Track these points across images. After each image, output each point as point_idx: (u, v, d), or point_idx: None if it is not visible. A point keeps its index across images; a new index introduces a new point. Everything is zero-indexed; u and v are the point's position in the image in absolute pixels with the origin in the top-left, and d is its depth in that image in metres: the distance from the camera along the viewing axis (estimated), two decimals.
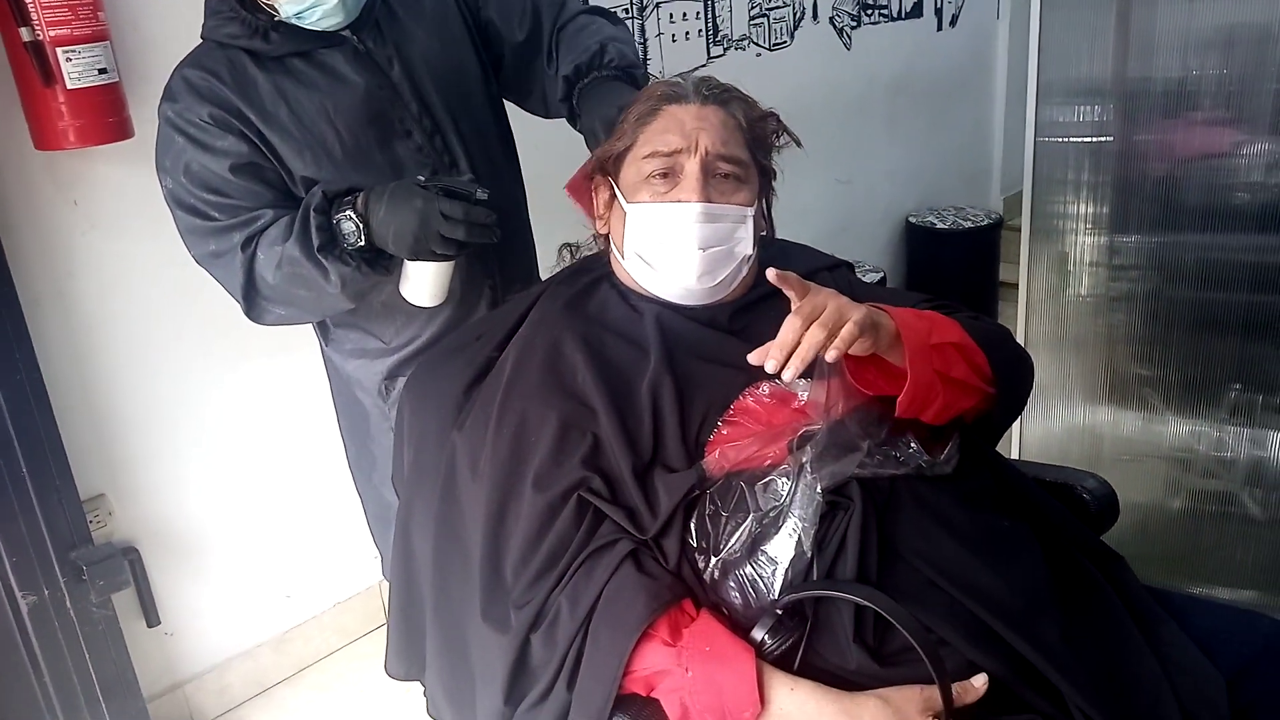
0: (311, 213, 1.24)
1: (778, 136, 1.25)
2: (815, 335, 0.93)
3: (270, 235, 1.28)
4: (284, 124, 1.30)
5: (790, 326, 0.94)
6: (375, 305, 1.44)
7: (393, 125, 1.38)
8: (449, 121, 1.41)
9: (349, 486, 2.18)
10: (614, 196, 1.23)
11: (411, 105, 1.38)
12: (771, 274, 0.98)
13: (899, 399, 1.01)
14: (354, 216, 1.23)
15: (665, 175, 1.16)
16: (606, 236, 1.27)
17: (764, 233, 1.27)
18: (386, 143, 1.37)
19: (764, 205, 1.26)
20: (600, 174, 1.25)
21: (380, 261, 1.28)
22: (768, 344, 0.95)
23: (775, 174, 1.26)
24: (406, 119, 1.38)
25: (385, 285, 1.37)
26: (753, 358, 0.96)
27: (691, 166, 1.15)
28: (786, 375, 0.93)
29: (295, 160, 1.32)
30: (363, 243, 1.24)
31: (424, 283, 1.33)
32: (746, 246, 1.18)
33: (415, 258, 1.27)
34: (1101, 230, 1.89)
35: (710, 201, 1.15)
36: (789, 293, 0.98)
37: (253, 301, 1.34)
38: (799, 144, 1.28)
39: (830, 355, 0.93)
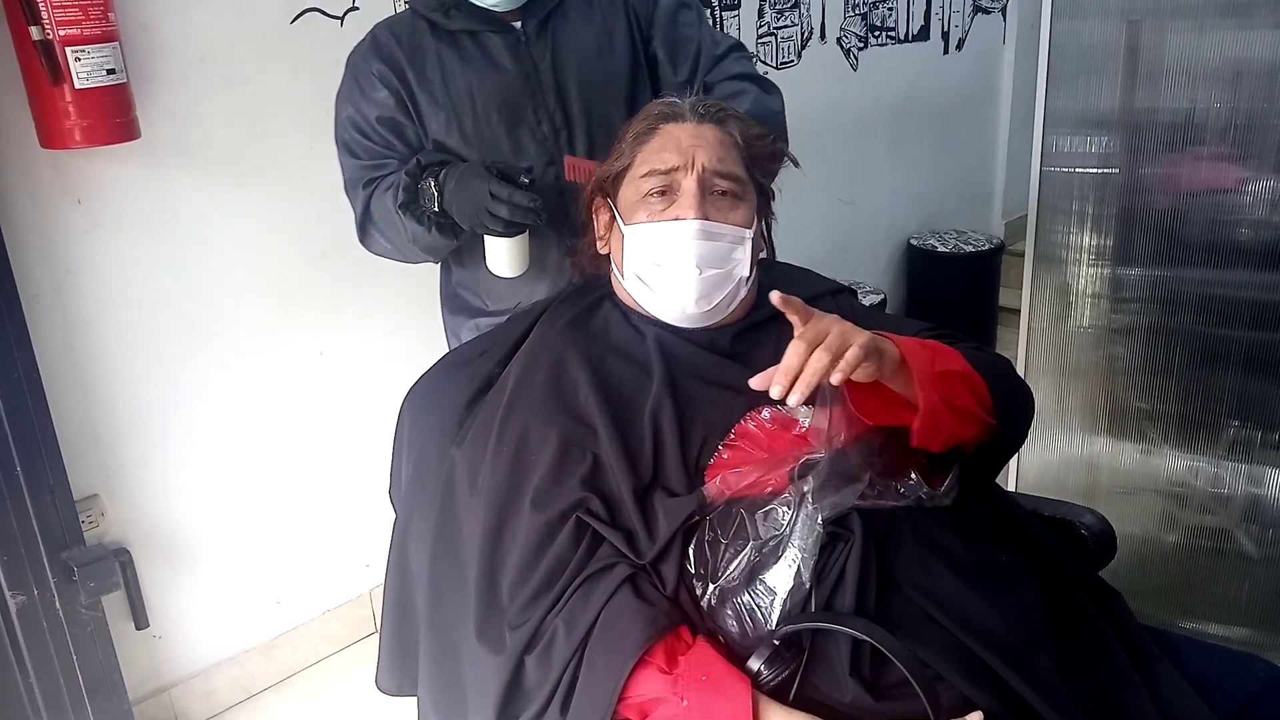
0: (404, 174, 1.42)
1: (776, 156, 1.25)
2: (819, 360, 0.93)
3: (386, 182, 1.47)
4: (433, 88, 1.46)
5: (794, 351, 0.94)
6: (485, 269, 1.53)
7: (525, 114, 1.47)
8: (582, 121, 1.49)
9: (342, 494, 2.18)
10: (613, 218, 1.23)
11: (549, 99, 1.47)
12: (775, 297, 0.97)
13: (913, 427, 1.01)
14: (434, 185, 1.39)
15: (663, 193, 1.17)
16: (608, 256, 1.27)
17: (763, 254, 1.26)
18: (514, 128, 1.48)
19: (763, 226, 1.26)
20: (600, 195, 1.26)
21: (449, 227, 1.42)
22: (770, 369, 0.94)
23: (774, 194, 1.26)
24: (540, 111, 1.47)
25: (481, 250, 1.49)
26: (755, 383, 0.95)
27: (689, 184, 1.15)
28: (792, 400, 0.92)
29: (432, 121, 1.47)
30: (437, 209, 1.39)
31: (498, 254, 1.45)
32: (744, 269, 1.18)
33: (473, 230, 1.40)
34: (1104, 261, 1.89)
35: (707, 219, 1.15)
36: (791, 317, 0.97)
37: (365, 230, 1.53)
38: (796, 164, 1.28)
39: (835, 378, 0.93)
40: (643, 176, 1.18)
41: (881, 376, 1.00)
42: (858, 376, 0.97)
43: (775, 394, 0.93)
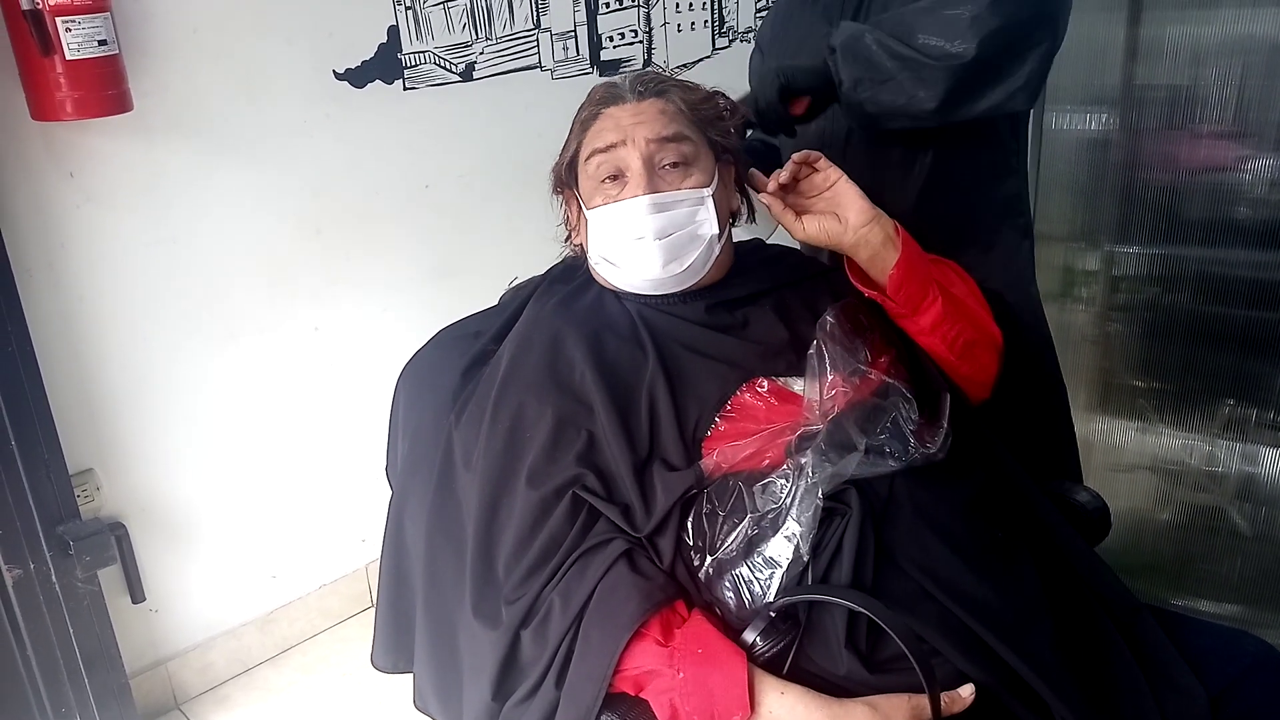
0: None
1: (726, 116, 1.24)
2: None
3: None
4: (779, 25, 1.57)
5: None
6: None
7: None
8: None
9: (337, 468, 2.18)
10: (579, 206, 1.23)
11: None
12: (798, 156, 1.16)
13: (890, 274, 1.15)
14: None
15: (615, 178, 1.17)
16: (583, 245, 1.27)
17: (745, 216, 1.27)
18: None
19: (740, 186, 1.26)
20: (565, 187, 1.25)
21: None
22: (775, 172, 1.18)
23: (737, 151, 1.25)
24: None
25: None
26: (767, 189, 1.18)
27: (635, 163, 1.15)
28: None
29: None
30: None
31: None
32: (710, 227, 1.17)
33: None
34: (1102, 239, 1.89)
35: (657, 192, 1.15)
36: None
37: None
38: (749, 118, 1.30)
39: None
40: (588, 159, 1.18)
41: (872, 246, 1.17)
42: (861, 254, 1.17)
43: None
